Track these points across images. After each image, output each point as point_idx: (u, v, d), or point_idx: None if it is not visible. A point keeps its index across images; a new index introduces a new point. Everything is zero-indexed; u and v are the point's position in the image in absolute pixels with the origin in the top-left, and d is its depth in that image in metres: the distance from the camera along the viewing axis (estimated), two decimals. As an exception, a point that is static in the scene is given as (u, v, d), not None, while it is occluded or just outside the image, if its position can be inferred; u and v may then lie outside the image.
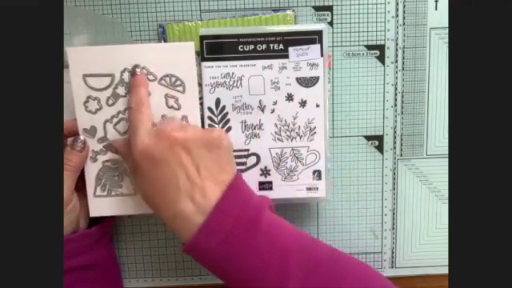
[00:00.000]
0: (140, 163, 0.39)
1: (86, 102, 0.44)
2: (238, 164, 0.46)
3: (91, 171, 0.45)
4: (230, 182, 0.39)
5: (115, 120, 0.45)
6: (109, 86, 0.44)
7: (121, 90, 0.44)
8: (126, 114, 0.44)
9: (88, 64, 0.44)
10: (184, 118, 0.45)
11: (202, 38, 0.45)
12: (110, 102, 0.44)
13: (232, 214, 0.37)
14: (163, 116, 0.44)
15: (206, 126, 0.46)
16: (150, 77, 0.44)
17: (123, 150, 0.43)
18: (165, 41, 0.48)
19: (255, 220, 0.38)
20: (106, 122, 0.45)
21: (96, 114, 0.44)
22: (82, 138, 0.44)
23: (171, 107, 0.45)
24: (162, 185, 0.38)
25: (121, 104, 0.44)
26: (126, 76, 0.44)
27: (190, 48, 0.44)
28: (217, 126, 0.46)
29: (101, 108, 0.44)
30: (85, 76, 0.44)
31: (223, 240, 0.37)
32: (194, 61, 0.44)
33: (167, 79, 0.44)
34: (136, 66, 0.43)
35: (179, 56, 0.44)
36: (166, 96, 0.44)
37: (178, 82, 0.44)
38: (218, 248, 0.37)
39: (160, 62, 0.44)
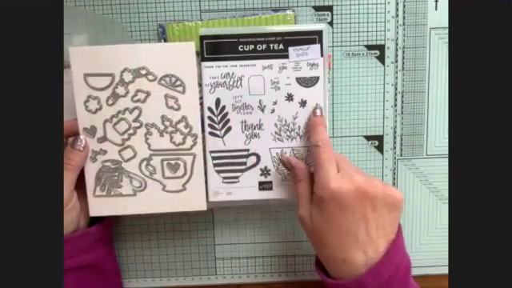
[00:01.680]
0: (327, 203, 0.40)
1: (87, 101, 0.44)
2: (238, 164, 0.46)
3: (91, 171, 0.45)
4: (394, 238, 0.41)
5: (115, 120, 0.45)
6: (109, 86, 0.44)
7: (120, 90, 0.44)
8: (126, 114, 0.44)
9: (89, 64, 0.44)
10: (184, 118, 0.45)
11: (202, 37, 0.45)
12: (110, 101, 0.44)
13: (395, 261, 0.40)
14: (163, 116, 0.44)
15: (206, 126, 0.46)
16: (150, 77, 0.44)
17: (305, 177, 0.44)
18: (165, 41, 0.48)
19: (409, 270, 0.41)
20: (106, 121, 0.45)
21: (96, 114, 0.44)
22: (82, 137, 0.44)
23: (171, 107, 0.45)
24: (342, 229, 0.40)
25: (120, 104, 0.44)
26: (126, 76, 0.44)
27: (190, 48, 0.44)
28: (217, 125, 0.46)
29: (101, 108, 0.44)
30: (86, 75, 0.44)
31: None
32: (195, 61, 0.44)
33: (167, 79, 0.44)
34: (316, 107, 0.45)
35: (179, 56, 0.44)
36: (166, 96, 0.44)
37: (178, 83, 0.44)
38: None
39: (160, 61, 0.44)
